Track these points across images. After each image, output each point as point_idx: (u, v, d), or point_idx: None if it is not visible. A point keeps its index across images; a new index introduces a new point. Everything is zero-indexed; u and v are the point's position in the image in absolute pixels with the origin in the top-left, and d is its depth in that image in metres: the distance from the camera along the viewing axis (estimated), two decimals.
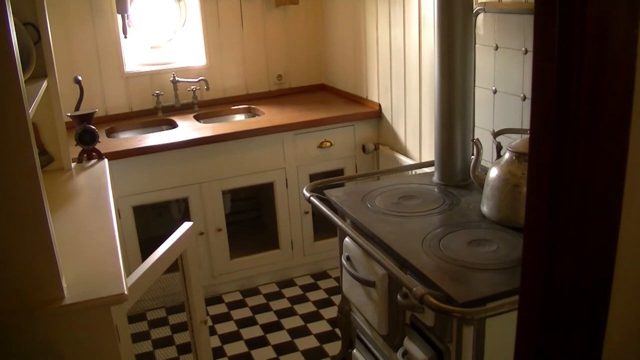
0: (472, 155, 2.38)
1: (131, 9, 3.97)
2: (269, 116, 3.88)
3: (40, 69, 2.62)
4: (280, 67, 4.45)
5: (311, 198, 2.49)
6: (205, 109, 4.17)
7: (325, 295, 3.74)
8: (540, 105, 0.89)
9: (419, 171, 2.98)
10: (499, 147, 2.29)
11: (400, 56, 3.39)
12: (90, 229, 2.12)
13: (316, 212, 2.55)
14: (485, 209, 2.15)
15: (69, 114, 2.95)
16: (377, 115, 3.77)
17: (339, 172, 3.83)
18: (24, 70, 1.80)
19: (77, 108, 3.06)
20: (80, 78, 3.06)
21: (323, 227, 3.85)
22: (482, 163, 2.34)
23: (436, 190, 2.49)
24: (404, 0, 3.26)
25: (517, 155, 2.05)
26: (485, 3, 2.49)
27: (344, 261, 2.30)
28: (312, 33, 4.48)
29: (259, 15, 4.30)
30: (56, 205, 2.30)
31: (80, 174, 2.79)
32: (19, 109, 1.42)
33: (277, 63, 4.43)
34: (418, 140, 3.34)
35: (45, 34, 2.63)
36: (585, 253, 0.91)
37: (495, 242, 1.98)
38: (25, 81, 1.49)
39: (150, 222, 3.96)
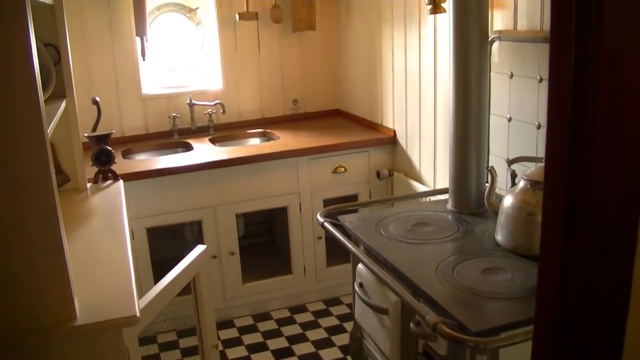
0: (487, 182, 2.37)
1: (150, 32, 4.02)
2: (284, 140, 3.90)
3: (59, 89, 2.65)
4: (296, 92, 4.47)
5: (325, 223, 2.48)
6: (220, 132, 4.20)
7: (337, 322, 3.72)
8: (555, 134, 0.89)
9: (433, 198, 2.97)
10: (513, 175, 2.28)
11: (415, 82, 3.40)
12: (104, 250, 2.12)
13: (329, 237, 2.55)
14: (499, 237, 2.14)
15: (86, 135, 2.98)
16: (391, 141, 3.77)
17: (353, 197, 3.83)
18: (44, 90, 1.82)
19: (94, 129, 3.08)
20: (98, 99, 3.09)
21: (336, 253, 3.83)
22: (497, 191, 2.33)
23: (450, 217, 2.48)
24: (419, 27, 3.28)
25: (532, 183, 2.04)
26: (500, 31, 2.50)
27: (356, 287, 2.29)
28: (328, 58, 4.51)
29: (275, 41, 4.34)
30: (71, 225, 2.32)
31: (96, 194, 2.81)
32: (38, 128, 1.44)
33: (293, 88, 4.46)
34: (432, 167, 3.34)
35: (65, 55, 2.67)
36: (601, 282, 0.90)
37: (509, 270, 1.96)
38: (44, 101, 1.50)
39: (163, 244, 3.97)
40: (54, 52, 2.65)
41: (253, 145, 4.13)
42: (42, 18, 2.53)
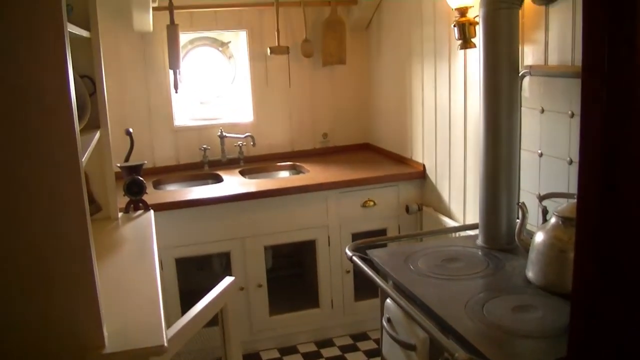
0: (518, 218, 2.35)
1: (183, 65, 4.09)
2: (314, 174, 3.91)
3: (94, 119, 2.70)
4: (326, 126, 4.50)
5: (353, 257, 2.48)
6: (250, 165, 4.23)
7: (364, 357, 3.68)
8: (588, 170, 0.88)
9: (462, 233, 2.95)
10: (545, 211, 2.25)
11: (445, 117, 3.40)
12: (133, 279, 2.14)
13: (358, 271, 2.53)
14: (530, 274, 2.11)
15: (118, 165, 3.02)
16: (421, 175, 3.77)
17: (382, 232, 3.81)
18: (80, 120, 1.86)
19: (126, 159, 3.13)
20: (131, 130, 3.14)
21: (364, 287, 3.81)
22: (528, 227, 2.30)
23: (480, 253, 2.46)
24: (449, 61, 3.29)
25: (564, 220, 2.02)
26: (531, 66, 2.50)
27: (384, 323, 2.27)
28: (358, 92, 4.54)
29: (306, 74, 4.38)
30: (102, 254, 2.34)
31: (127, 224, 2.84)
32: (73, 157, 1.46)
33: (323, 121, 4.49)
34: (462, 202, 3.32)
35: (100, 86, 2.73)
36: (636, 322, 0.88)
37: (540, 308, 1.93)
38: (79, 131, 1.53)
39: (191, 274, 3.98)
40: (89, 83, 2.71)
41: (282, 178, 4.15)
42: (79, 50, 2.60)
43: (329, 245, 3.74)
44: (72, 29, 2.04)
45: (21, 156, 1.42)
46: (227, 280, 2.40)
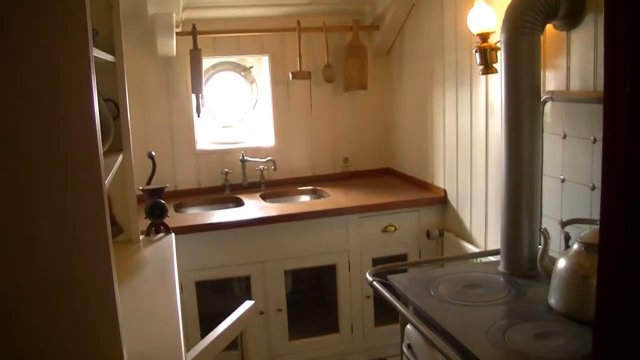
0: (540, 244, 2.33)
1: (205, 89, 4.13)
2: (334, 198, 3.91)
3: (117, 142, 2.73)
4: (347, 150, 4.51)
5: (374, 282, 2.47)
6: (271, 189, 4.24)
7: None
8: (610, 195, 0.87)
9: (484, 259, 2.92)
10: (567, 237, 2.23)
11: (466, 142, 3.40)
12: (154, 302, 2.14)
13: (378, 296, 2.52)
14: (552, 300, 2.09)
15: (140, 188, 3.04)
16: (442, 201, 3.75)
17: (403, 257, 3.79)
18: (103, 143, 1.88)
19: (148, 182, 3.15)
20: (153, 153, 3.17)
21: (384, 313, 3.78)
22: (550, 253, 2.28)
23: (502, 279, 2.44)
24: (471, 87, 3.29)
25: (586, 246, 2.00)
26: (553, 91, 2.49)
27: (405, 349, 2.25)
28: (379, 117, 4.55)
29: (328, 99, 4.41)
30: (123, 276, 2.35)
31: (148, 246, 2.85)
32: (96, 180, 1.48)
33: (344, 146, 4.50)
34: (484, 227, 3.30)
35: (124, 110, 2.77)
36: None
37: (563, 336, 1.91)
38: (103, 153, 1.55)
39: (211, 298, 3.98)
40: (113, 107, 2.75)
41: (303, 202, 4.16)
42: (103, 74, 2.64)
43: (349, 270, 3.73)
44: (97, 53, 2.08)
45: (45, 177, 1.44)
46: (247, 304, 2.40)
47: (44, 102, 1.42)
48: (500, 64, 2.53)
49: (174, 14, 3.61)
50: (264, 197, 4.05)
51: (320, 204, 3.81)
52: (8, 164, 1.41)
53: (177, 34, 3.86)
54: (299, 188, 4.30)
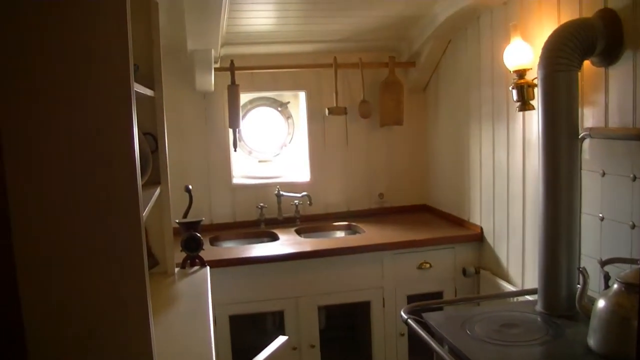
0: (578, 284, 2.29)
1: (242, 124, 4.18)
2: (369, 234, 3.90)
3: (155, 176, 2.77)
4: (382, 186, 4.51)
5: (408, 320, 2.44)
6: (306, 224, 4.25)
7: None
8: None
9: (521, 298, 2.88)
10: (607, 277, 2.19)
11: (503, 179, 3.37)
12: (188, 335, 2.15)
13: (412, 334, 2.49)
14: (592, 341, 2.04)
15: (177, 221, 3.07)
16: (478, 238, 3.71)
17: (438, 294, 3.75)
18: (141, 176, 1.91)
19: (185, 215, 3.19)
20: (190, 187, 3.21)
21: (419, 351, 3.69)
22: (589, 293, 2.24)
23: (539, 319, 2.39)
24: (508, 123, 3.27)
25: (627, 286, 1.95)
26: (591, 128, 2.46)
27: None
28: (415, 153, 4.55)
29: (363, 135, 4.42)
30: (157, 308, 2.36)
31: (183, 279, 2.87)
32: (134, 212, 1.50)
33: (379, 182, 4.50)
34: (521, 266, 3.25)
35: (162, 143, 2.81)
36: None
37: None
38: (141, 186, 1.57)
39: (244, 332, 3.97)
40: (152, 140, 2.79)
41: (338, 237, 4.16)
42: (143, 108, 2.69)
43: (383, 306, 3.69)
44: (138, 88, 2.12)
45: (85, 208, 1.46)
46: (280, 339, 2.39)
47: (86, 134, 1.45)
48: (537, 101, 2.52)
49: (213, 50, 3.68)
50: (298, 232, 4.05)
51: (355, 240, 3.80)
52: (49, 195, 1.44)
53: (216, 69, 3.92)
54: (334, 223, 4.30)
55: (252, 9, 3.50)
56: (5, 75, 1.39)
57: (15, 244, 1.43)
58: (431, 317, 2.44)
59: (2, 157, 1.41)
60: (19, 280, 1.44)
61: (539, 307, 2.47)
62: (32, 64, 1.41)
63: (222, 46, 3.94)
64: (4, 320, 1.44)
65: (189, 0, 2.99)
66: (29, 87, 1.41)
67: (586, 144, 2.51)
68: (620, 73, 2.33)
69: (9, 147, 1.41)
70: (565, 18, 2.60)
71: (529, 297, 2.77)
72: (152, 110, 2.78)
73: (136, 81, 1.91)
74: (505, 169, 3.34)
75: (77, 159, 1.45)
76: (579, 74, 2.41)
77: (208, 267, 3.06)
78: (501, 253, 3.47)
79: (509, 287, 3.32)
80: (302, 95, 4.38)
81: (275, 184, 4.29)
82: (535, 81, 2.60)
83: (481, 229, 3.70)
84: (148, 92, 2.55)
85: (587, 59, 2.42)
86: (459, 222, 4.01)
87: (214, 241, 3.94)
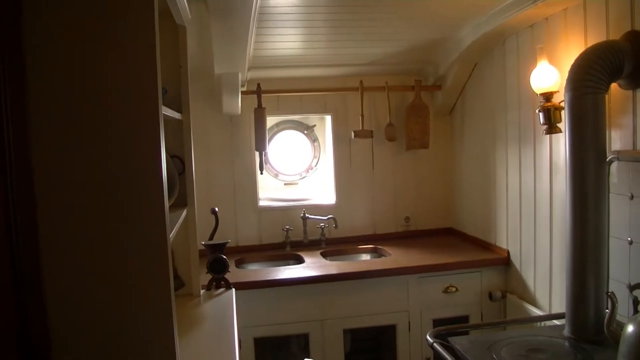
0: (607, 309, 2.25)
1: (268, 147, 4.20)
2: (395, 257, 3.88)
3: (181, 198, 2.80)
4: (408, 209, 4.49)
5: (434, 344, 2.43)
6: (332, 247, 4.24)
7: None
8: None
9: (548, 323, 2.84)
10: (635, 302, 2.15)
11: (530, 202, 3.34)
12: (213, 357, 2.15)
13: (438, 359, 2.47)
14: None
15: (203, 243, 3.09)
16: (505, 262, 3.68)
17: (464, 318, 3.71)
18: (168, 198, 1.93)
19: (211, 237, 3.20)
20: (217, 209, 3.23)
21: None
22: (618, 318, 2.20)
23: (567, 344, 2.36)
24: (534, 146, 3.26)
25: None
26: (619, 151, 2.44)
27: None
28: (441, 176, 4.54)
29: (389, 158, 4.43)
30: (183, 330, 2.37)
31: (208, 301, 2.88)
32: (161, 234, 1.52)
33: (405, 205, 4.49)
34: (548, 290, 3.21)
35: (189, 166, 2.84)
36: None
37: None
38: (168, 208, 1.59)
39: (269, 354, 3.96)
40: (179, 163, 2.82)
41: (364, 261, 4.14)
42: (170, 131, 2.72)
43: (409, 330, 3.67)
44: (166, 111, 2.15)
45: (112, 229, 1.48)
46: None
47: (115, 156, 1.48)
48: (564, 124, 2.50)
49: (240, 74, 3.72)
50: (324, 255, 4.05)
51: (380, 263, 3.79)
52: (77, 215, 1.46)
53: (242, 92, 3.97)
54: (360, 246, 4.29)
55: (278, 33, 3.54)
56: (41, 97, 1.43)
57: (44, 263, 1.45)
58: (457, 342, 2.42)
59: (33, 178, 1.44)
60: (47, 301, 1.46)
61: (566, 332, 2.44)
62: (67, 86, 1.45)
63: (249, 69, 3.98)
64: (34, 344, 1.46)
65: (216, 25, 3.04)
66: (61, 108, 1.45)
67: (614, 167, 2.49)
68: None
69: (40, 167, 1.44)
70: (592, 40, 2.59)
71: (556, 322, 2.74)
72: (179, 133, 2.82)
73: (164, 104, 1.95)
74: (532, 192, 3.32)
75: (105, 181, 1.48)
76: (607, 96, 2.39)
77: (233, 289, 3.07)
78: (528, 277, 3.44)
79: (536, 312, 3.28)
80: (328, 118, 4.40)
81: (301, 207, 4.30)
82: (562, 104, 2.59)
83: (508, 252, 3.67)
84: (176, 115, 2.59)
85: (615, 82, 2.41)
86: (485, 246, 3.98)
87: (239, 263, 3.95)
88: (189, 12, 2.79)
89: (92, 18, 1.46)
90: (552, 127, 2.77)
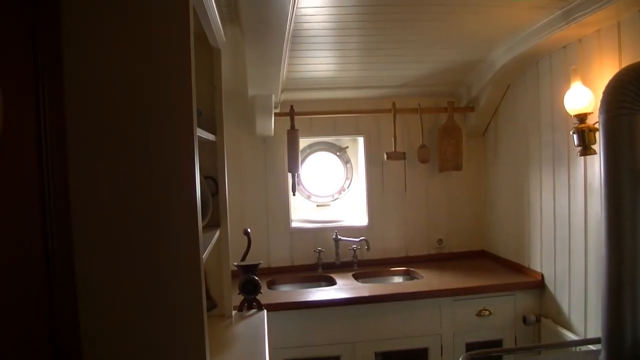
0: None
1: (301, 169, 4.22)
2: (427, 280, 3.86)
3: (215, 219, 2.82)
4: (441, 232, 4.47)
5: None
6: (364, 269, 4.23)
7: None
8: None
9: (583, 348, 2.79)
10: None
11: (565, 224, 3.30)
12: None
13: None
14: None
15: (235, 264, 3.11)
16: (539, 285, 3.63)
17: (498, 342, 3.66)
18: (202, 219, 1.95)
19: (243, 258, 3.22)
20: (249, 230, 3.24)
21: None
22: None
23: None
24: (569, 168, 3.22)
25: None
26: None
27: None
28: (474, 198, 4.51)
29: (422, 180, 4.41)
30: (214, 350, 2.38)
31: (240, 322, 2.88)
32: (195, 254, 1.53)
33: (438, 227, 4.47)
34: (583, 314, 3.16)
35: (222, 187, 2.86)
36: None
37: None
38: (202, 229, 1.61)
39: None
40: (212, 184, 2.85)
41: (396, 283, 4.12)
42: (205, 152, 2.76)
43: (441, 354, 3.63)
44: (200, 133, 2.18)
45: (147, 251, 1.51)
46: None
47: (150, 177, 1.50)
48: (599, 145, 2.48)
49: (273, 96, 3.76)
50: (356, 277, 4.04)
51: (413, 286, 3.77)
52: (112, 235, 1.49)
53: (276, 114, 4.00)
54: (392, 269, 4.27)
55: (311, 56, 3.57)
56: (79, 121, 1.46)
57: (79, 285, 1.48)
58: None
59: (70, 201, 1.47)
60: (80, 322, 1.49)
61: (602, 357, 2.39)
62: (107, 108, 1.48)
63: (282, 92, 4.02)
64: (65, 343, 1.48)
65: (250, 48, 3.08)
66: (98, 129, 1.48)
67: None
68: None
69: (76, 191, 1.47)
70: (627, 61, 2.57)
71: (591, 347, 2.69)
72: (213, 154, 2.85)
73: (199, 126, 1.98)
74: (566, 214, 3.28)
75: (140, 202, 1.50)
76: None
77: (265, 311, 3.07)
78: (563, 300, 3.38)
79: (571, 336, 3.22)
80: (360, 140, 4.42)
81: (333, 229, 4.30)
82: (597, 125, 2.56)
83: (542, 275, 3.62)
84: (210, 136, 2.62)
85: None
86: (519, 269, 3.93)
87: (271, 284, 3.96)
88: (223, 35, 2.84)
89: (131, 42, 1.50)
90: (586, 149, 2.75)
